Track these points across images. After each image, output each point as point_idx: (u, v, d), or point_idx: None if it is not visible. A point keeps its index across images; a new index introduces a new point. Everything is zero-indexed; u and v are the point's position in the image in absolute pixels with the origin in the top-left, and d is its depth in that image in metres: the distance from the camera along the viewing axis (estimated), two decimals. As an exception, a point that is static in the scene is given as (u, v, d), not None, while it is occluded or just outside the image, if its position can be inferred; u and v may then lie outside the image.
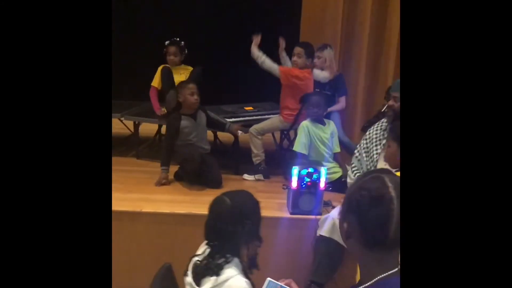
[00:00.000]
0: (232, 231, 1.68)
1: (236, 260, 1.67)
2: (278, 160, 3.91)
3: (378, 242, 1.08)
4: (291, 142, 3.82)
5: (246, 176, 3.65)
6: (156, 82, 3.95)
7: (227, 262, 1.64)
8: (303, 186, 2.86)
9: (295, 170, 2.84)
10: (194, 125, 3.37)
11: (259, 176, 3.64)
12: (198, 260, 1.72)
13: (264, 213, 2.97)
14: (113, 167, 3.77)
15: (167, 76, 3.92)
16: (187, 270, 1.74)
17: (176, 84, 3.81)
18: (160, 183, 3.33)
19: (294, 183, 2.87)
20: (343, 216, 1.15)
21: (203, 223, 2.96)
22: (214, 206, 1.78)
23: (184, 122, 3.33)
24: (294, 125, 3.61)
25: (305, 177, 2.84)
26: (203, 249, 1.78)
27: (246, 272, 1.70)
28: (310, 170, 2.83)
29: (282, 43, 3.87)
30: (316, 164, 2.94)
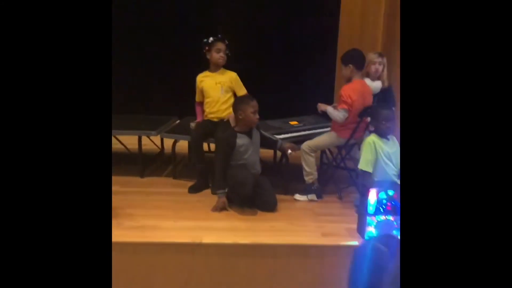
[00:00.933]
0: (391, 283, 1.40)
1: None
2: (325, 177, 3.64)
3: None
4: (342, 159, 3.55)
5: (297, 196, 3.39)
6: (197, 95, 3.60)
7: None
8: (382, 210, 2.60)
9: (372, 193, 2.58)
10: (250, 144, 3.10)
11: (312, 197, 3.37)
12: None
13: (334, 240, 2.75)
14: (151, 189, 3.51)
15: None
16: None
17: (208, 93, 3.51)
18: (219, 209, 3.05)
19: (371, 208, 2.60)
20: None
21: (268, 254, 2.73)
22: (369, 257, 1.50)
23: (240, 141, 3.06)
24: (350, 140, 3.36)
25: (384, 200, 2.58)
26: None
27: None
28: (390, 192, 2.57)
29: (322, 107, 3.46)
30: (396, 186, 2.68)
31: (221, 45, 3.44)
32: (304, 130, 3.66)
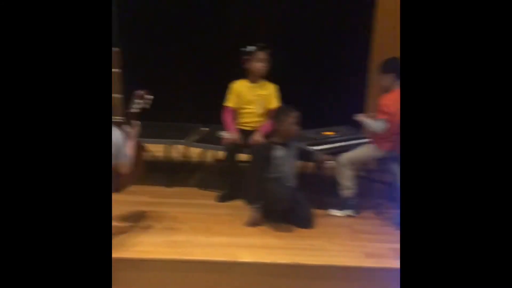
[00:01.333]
0: None
1: None
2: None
3: None
4: (380, 172, 3.36)
5: (334, 211, 3.19)
6: (231, 101, 3.38)
7: None
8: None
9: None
10: (287, 156, 2.92)
11: (349, 212, 3.18)
12: None
13: (378, 262, 2.55)
14: (179, 201, 3.31)
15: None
16: None
17: (247, 105, 3.34)
18: (253, 224, 2.87)
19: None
20: None
21: (308, 276, 2.54)
22: None
23: (277, 152, 2.88)
24: (392, 153, 3.16)
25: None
26: None
27: None
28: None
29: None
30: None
31: (263, 55, 3.25)
32: (340, 141, 3.47)
